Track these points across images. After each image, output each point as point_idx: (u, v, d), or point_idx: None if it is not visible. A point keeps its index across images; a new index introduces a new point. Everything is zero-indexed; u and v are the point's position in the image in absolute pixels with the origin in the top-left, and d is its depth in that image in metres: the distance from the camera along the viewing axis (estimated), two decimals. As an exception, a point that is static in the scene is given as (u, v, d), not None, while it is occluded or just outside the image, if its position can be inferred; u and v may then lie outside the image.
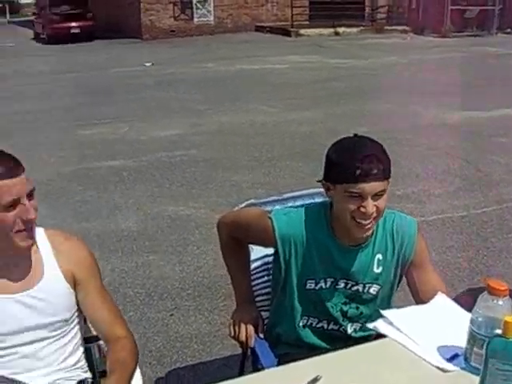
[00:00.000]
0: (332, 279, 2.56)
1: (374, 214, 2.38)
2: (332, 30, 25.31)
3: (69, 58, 21.98)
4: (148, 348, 4.20)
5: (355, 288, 2.58)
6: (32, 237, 2.29)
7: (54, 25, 28.36)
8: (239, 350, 2.84)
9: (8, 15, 44.60)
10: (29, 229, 2.26)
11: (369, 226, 2.41)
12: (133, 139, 9.80)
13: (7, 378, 2.30)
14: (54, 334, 2.40)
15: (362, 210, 2.35)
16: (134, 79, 15.88)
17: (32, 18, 34.98)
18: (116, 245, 5.89)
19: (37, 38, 31.08)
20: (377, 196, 2.36)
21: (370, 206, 2.35)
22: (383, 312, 2.41)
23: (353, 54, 18.94)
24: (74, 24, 28.41)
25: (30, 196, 2.24)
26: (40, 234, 2.41)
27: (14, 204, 2.19)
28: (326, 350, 2.43)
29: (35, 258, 2.37)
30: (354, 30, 25.58)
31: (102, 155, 8.95)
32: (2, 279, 2.32)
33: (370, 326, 2.41)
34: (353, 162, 2.32)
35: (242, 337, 2.69)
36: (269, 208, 2.85)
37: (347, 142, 2.42)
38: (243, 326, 2.70)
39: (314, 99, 12.28)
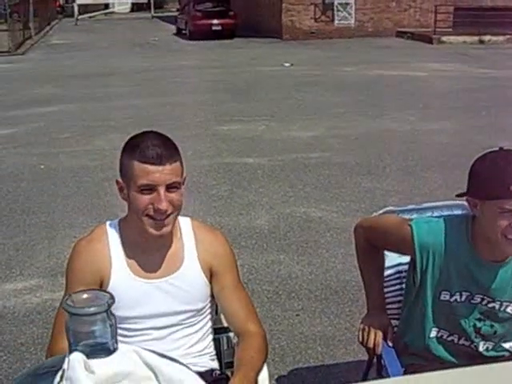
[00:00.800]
0: (468, 293, 2.51)
1: None
2: (476, 37, 24.58)
3: (211, 55, 22.49)
4: (272, 345, 4.20)
5: (491, 305, 2.52)
6: (161, 227, 2.31)
7: (197, 21, 29.09)
8: (362, 357, 2.83)
9: (152, 10, 45.99)
10: (159, 219, 2.29)
11: None
12: (269, 138, 9.90)
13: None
14: (186, 321, 2.46)
15: None
16: (273, 79, 16.05)
17: (175, 13, 35.96)
18: (247, 241, 5.98)
19: (179, 33, 31.96)
20: None
21: None
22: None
23: (497, 64, 18.30)
24: (215, 21, 29.01)
25: (170, 188, 2.28)
26: (186, 223, 2.47)
27: (149, 189, 2.26)
28: (454, 365, 2.39)
29: (177, 245, 2.44)
30: (501, 38, 24.69)
31: (238, 152, 9.11)
32: (144, 264, 2.40)
33: (506, 345, 2.36)
34: (505, 176, 2.27)
35: (371, 343, 2.67)
36: (406, 216, 2.83)
37: (495, 156, 2.37)
38: (372, 333, 2.68)
39: (453, 109, 12.00)
